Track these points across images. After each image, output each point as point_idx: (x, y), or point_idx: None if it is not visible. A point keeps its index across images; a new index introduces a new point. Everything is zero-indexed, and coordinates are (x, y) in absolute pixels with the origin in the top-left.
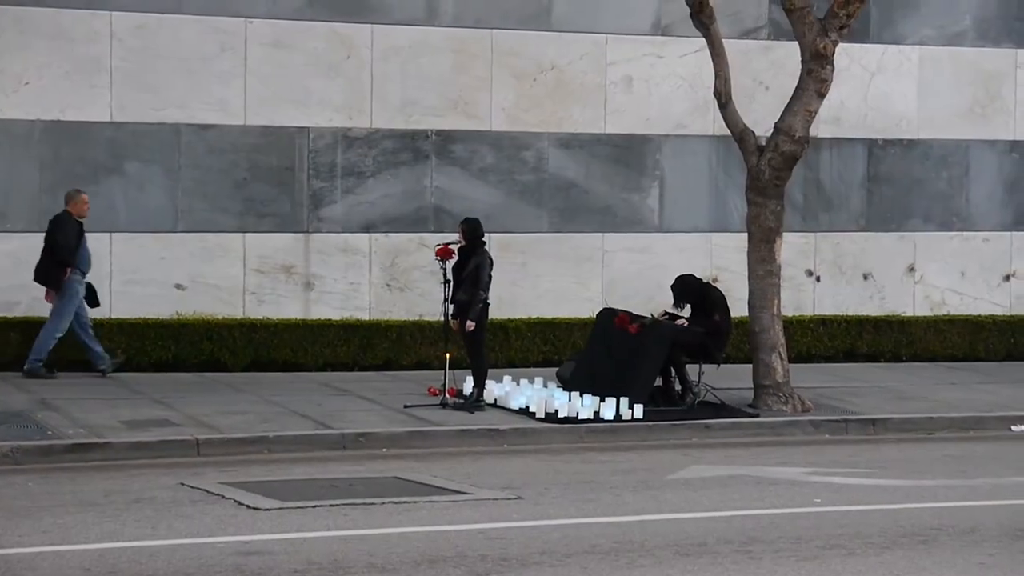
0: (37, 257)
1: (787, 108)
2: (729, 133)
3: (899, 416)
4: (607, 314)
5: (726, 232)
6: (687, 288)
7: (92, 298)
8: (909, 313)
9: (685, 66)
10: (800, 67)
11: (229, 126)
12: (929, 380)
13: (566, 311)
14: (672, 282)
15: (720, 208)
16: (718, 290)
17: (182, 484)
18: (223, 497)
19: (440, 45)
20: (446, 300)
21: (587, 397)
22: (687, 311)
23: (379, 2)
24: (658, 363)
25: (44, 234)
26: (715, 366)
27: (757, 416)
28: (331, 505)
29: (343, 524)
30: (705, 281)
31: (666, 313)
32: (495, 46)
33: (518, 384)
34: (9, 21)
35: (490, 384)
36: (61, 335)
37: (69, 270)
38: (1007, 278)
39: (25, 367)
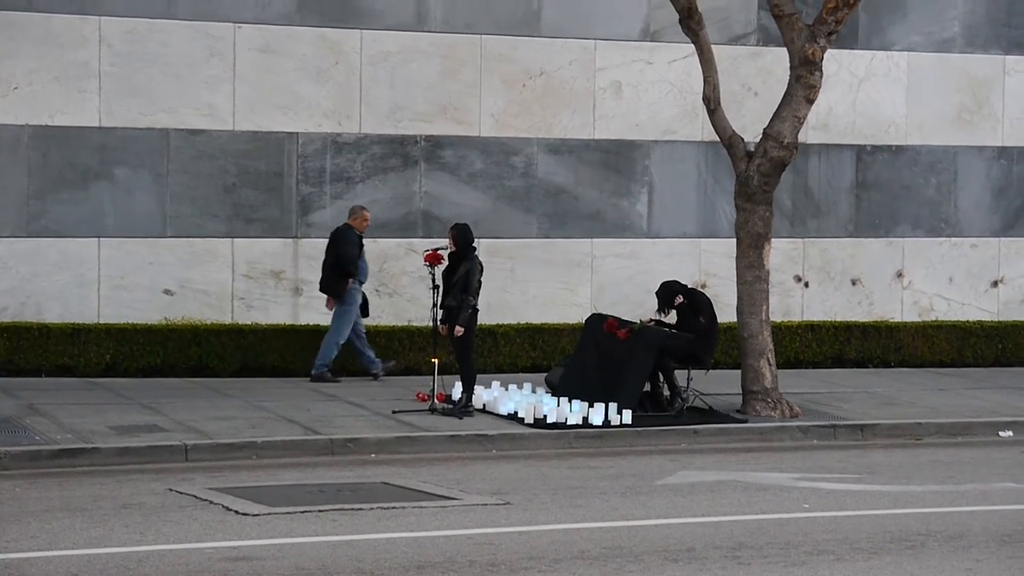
0: (27, 262)
1: (776, 114)
2: (718, 139)
3: (887, 422)
4: (596, 319)
5: (715, 238)
6: (672, 293)
7: (365, 308)
8: (897, 319)
9: (674, 72)
10: (789, 73)
11: (218, 131)
12: (917, 386)
13: (555, 316)
14: (657, 289)
15: (709, 214)
16: (703, 294)
17: (170, 489)
18: (211, 502)
19: (429, 51)
20: (435, 305)
21: (576, 402)
22: (673, 317)
23: (368, 7)
24: (647, 368)
25: (327, 245)
26: (703, 371)
27: (746, 422)
28: (319, 511)
29: (331, 530)
30: (690, 286)
31: (652, 320)
32: (484, 52)
33: (507, 389)
34: None
35: (479, 389)
36: (343, 341)
37: (350, 281)
38: (995, 284)
39: (312, 372)
